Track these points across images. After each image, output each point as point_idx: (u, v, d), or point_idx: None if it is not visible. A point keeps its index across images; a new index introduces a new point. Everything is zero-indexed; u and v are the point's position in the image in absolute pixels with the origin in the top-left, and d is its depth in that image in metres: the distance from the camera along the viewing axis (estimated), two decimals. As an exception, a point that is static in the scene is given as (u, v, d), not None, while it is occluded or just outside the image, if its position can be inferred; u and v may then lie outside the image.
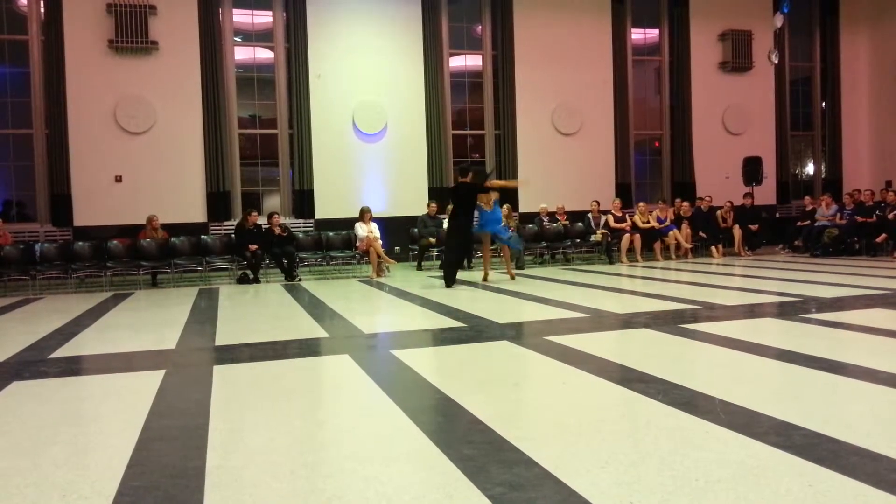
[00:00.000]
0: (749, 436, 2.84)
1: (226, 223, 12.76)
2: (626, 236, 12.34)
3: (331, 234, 12.07)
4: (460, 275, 10.52)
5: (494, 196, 9.73)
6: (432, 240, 11.97)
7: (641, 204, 13.32)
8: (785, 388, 3.79)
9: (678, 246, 12.77)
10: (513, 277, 9.78)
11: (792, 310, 6.34)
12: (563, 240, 12.73)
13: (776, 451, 2.67)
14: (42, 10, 12.17)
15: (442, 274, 9.56)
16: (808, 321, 5.70)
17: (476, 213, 9.70)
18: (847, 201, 13.34)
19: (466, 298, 8.03)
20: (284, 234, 11.04)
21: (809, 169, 17.64)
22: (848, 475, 2.41)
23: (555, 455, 2.69)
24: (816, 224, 13.03)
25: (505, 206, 12.70)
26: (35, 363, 4.90)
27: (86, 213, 12.16)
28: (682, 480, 2.41)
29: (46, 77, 12.12)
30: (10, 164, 12.59)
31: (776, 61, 15.72)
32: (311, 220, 13.27)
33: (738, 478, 2.42)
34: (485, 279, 9.61)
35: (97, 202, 12.21)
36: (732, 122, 15.89)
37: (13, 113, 12.41)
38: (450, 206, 12.82)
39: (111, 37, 12.16)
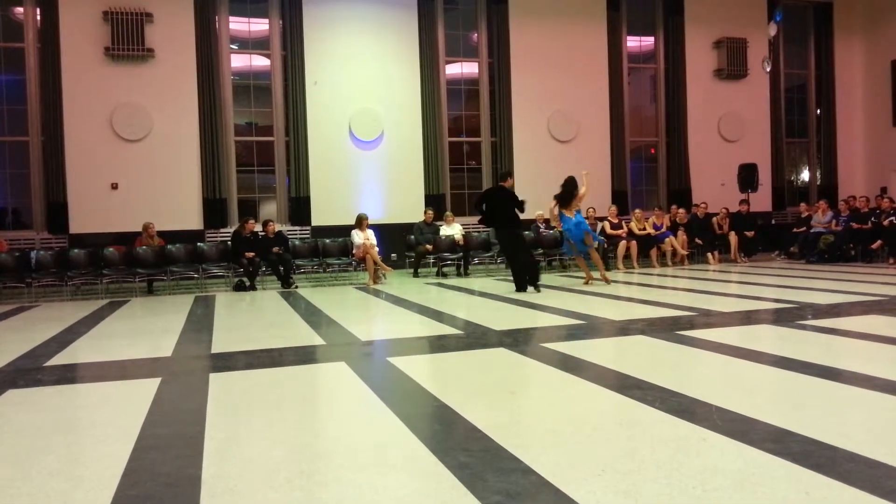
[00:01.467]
0: (746, 443, 2.83)
1: (222, 230, 12.75)
2: (623, 243, 12.35)
3: (327, 241, 12.06)
4: (458, 281, 10.51)
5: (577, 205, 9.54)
6: (429, 247, 11.97)
7: (637, 211, 13.33)
8: (781, 395, 3.79)
9: (674, 253, 12.79)
10: (608, 281, 9.60)
11: (788, 316, 6.34)
12: (559, 247, 12.71)
13: (773, 458, 2.66)
14: (38, 17, 12.17)
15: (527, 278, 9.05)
16: (805, 328, 5.71)
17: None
18: (842, 208, 13.37)
19: (463, 306, 8.03)
20: (280, 251, 10.92)
21: (805, 176, 17.69)
22: (845, 482, 2.40)
23: (552, 463, 2.69)
24: (812, 231, 13.06)
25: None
26: (30, 371, 4.88)
27: (82, 221, 12.14)
28: (678, 488, 2.41)
29: (42, 84, 12.11)
30: (6, 172, 12.57)
31: (769, 69, 15.77)
32: (308, 228, 13.26)
33: (735, 485, 2.42)
34: (588, 281, 9.57)
35: (93, 209, 12.18)
36: (728, 129, 15.94)
37: (9, 120, 12.40)
38: (448, 213, 12.91)
39: (107, 44, 12.17)
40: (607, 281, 9.54)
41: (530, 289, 8.84)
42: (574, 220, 9.43)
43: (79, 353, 5.72)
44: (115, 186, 12.32)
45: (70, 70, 12.11)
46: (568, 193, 9.42)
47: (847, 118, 17.00)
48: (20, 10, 12.36)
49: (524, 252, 9.33)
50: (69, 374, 4.88)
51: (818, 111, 17.17)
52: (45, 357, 5.39)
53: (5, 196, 12.67)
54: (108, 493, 2.53)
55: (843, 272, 10.46)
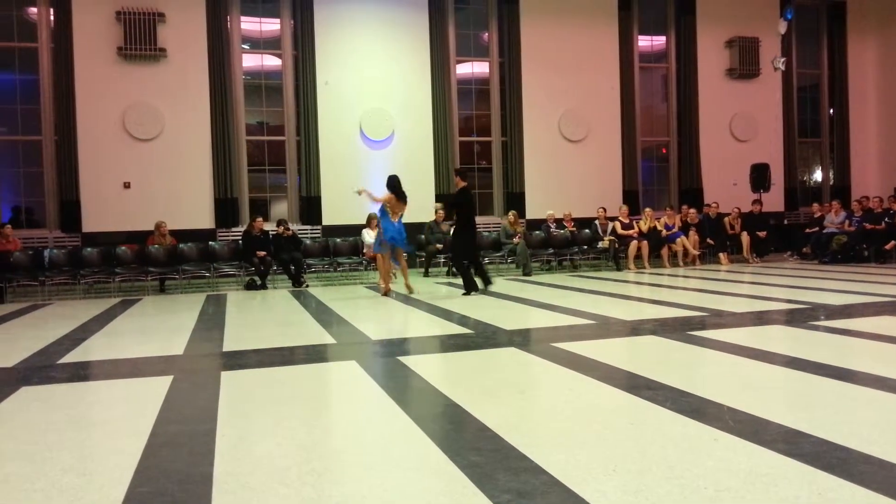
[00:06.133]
0: (758, 443, 2.82)
1: (233, 229, 12.80)
2: (634, 243, 12.32)
3: (338, 240, 12.10)
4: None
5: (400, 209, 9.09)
6: (439, 246, 11.97)
7: (647, 209, 13.27)
8: (794, 395, 3.77)
9: (686, 253, 12.74)
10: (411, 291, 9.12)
11: (800, 317, 6.31)
12: (570, 246, 12.71)
13: (785, 458, 2.65)
14: (52, 17, 12.25)
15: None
16: (817, 328, 5.68)
17: (381, 226, 9.09)
18: (855, 208, 13.27)
19: (473, 305, 8.02)
20: (290, 232, 11.13)
21: (817, 176, 17.58)
22: (857, 483, 2.39)
23: (562, 462, 2.69)
24: (825, 231, 12.97)
25: (511, 213, 12.70)
26: (43, 368, 4.93)
27: (94, 220, 12.22)
28: (690, 489, 2.40)
29: (56, 84, 12.20)
30: (20, 171, 12.67)
31: (783, 68, 15.65)
32: (319, 227, 13.30)
33: (746, 486, 2.41)
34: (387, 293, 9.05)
35: (106, 208, 12.27)
36: (740, 128, 15.86)
37: (23, 120, 12.50)
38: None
39: (120, 44, 12.24)
40: (411, 291, 9.05)
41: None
42: (397, 226, 9.03)
43: (91, 350, 5.76)
44: (127, 185, 12.40)
45: (83, 70, 12.19)
46: (402, 193, 9.01)
47: (860, 118, 16.88)
48: (34, 10, 12.44)
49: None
50: (82, 372, 4.91)
51: (831, 111, 17.05)
52: (58, 355, 5.43)
53: (19, 195, 12.77)
54: (120, 490, 2.55)
55: (856, 273, 10.39)
